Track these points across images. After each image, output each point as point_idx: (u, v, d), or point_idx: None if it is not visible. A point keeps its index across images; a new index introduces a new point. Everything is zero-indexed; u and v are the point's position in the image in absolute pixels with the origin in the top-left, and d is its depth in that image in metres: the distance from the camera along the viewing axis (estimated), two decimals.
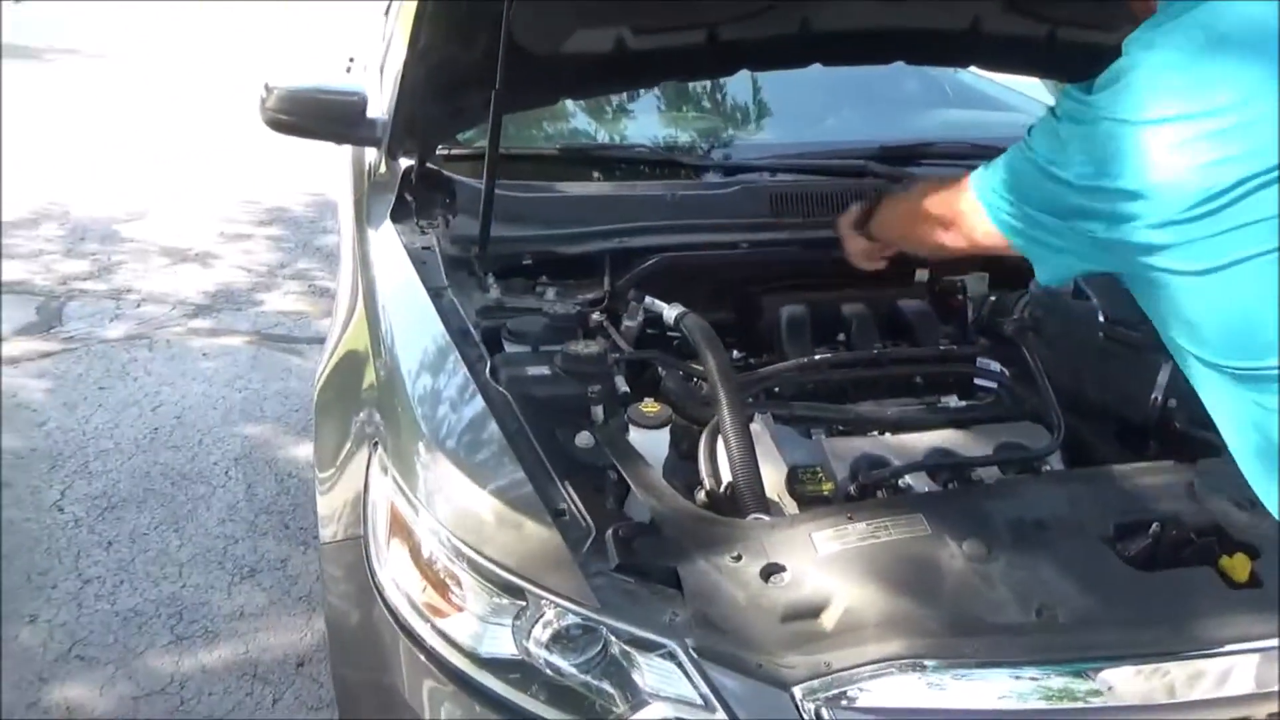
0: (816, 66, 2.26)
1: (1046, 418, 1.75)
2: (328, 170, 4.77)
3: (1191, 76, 1.10)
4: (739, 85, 2.67)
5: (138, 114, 7.92)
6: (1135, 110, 1.12)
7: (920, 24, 2.19)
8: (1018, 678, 1.26)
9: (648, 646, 1.28)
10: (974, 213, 1.39)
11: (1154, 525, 1.38)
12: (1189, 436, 1.71)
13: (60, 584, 2.67)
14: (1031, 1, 2.12)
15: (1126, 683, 1.26)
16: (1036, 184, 1.25)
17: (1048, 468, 1.68)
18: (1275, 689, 1.25)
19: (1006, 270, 2.12)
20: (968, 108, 3.09)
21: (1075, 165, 1.18)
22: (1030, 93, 3.07)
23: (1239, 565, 1.33)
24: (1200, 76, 1.10)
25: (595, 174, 2.37)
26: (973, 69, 2.87)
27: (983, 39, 2.22)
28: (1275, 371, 1.12)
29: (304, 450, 3.29)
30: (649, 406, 1.62)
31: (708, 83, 2.70)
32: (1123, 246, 1.17)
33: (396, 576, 1.48)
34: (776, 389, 1.84)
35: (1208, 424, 1.71)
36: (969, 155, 2.47)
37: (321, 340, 3.76)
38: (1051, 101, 3.00)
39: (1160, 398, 1.73)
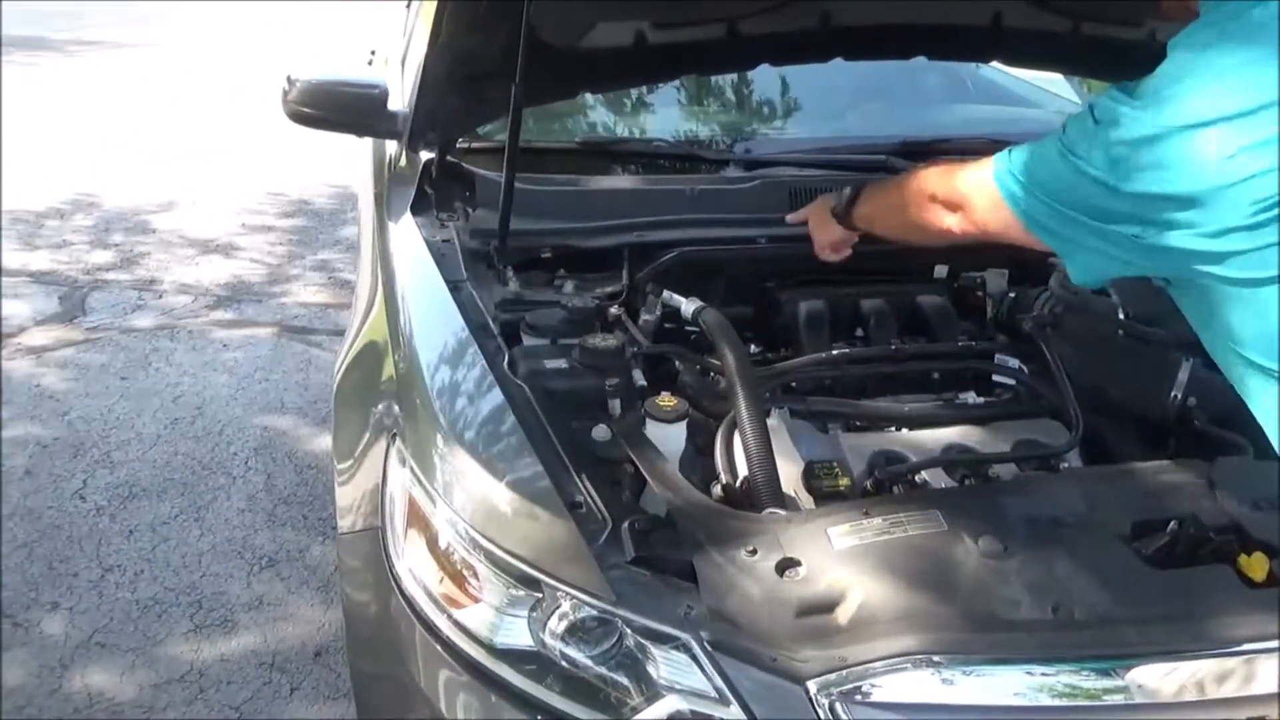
0: (837, 61, 2.25)
1: (1065, 415, 1.74)
2: (349, 163, 4.80)
3: (1247, 79, 1.07)
4: (760, 79, 2.66)
5: (164, 106, 7.96)
6: (1188, 115, 1.09)
7: (942, 18, 2.18)
8: (1033, 674, 1.25)
9: (663, 639, 1.28)
10: (989, 200, 1.37)
11: (1172, 523, 1.38)
12: (1208, 435, 1.70)
13: (82, 572, 2.70)
14: None
15: (1143, 681, 1.25)
16: (1075, 186, 1.21)
17: (1065, 465, 1.68)
18: None
19: (1026, 267, 2.12)
20: (989, 103, 3.07)
21: (1121, 171, 1.14)
22: (1052, 88, 3.06)
23: (1257, 564, 1.32)
24: (1257, 79, 1.07)
25: (615, 168, 2.37)
26: (995, 64, 2.85)
27: (1005, 34, 2.20)
28: None
29: (323, 442, 3.31)
30: (666, 400, 1.62)
31: (728, 77, 2.69)
32: (1170, 253, 1.14)
33: (413, 567, 1.49)
34: (794, 384, 1.84)
35: (1227, 422, 1.71)
36: (989, 151, 2.46)
37: (341, 332, 3.78)
38: (1074, 96, 3.00)
39: (1180, 396, 1.72)
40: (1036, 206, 1.29)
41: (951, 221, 1.47)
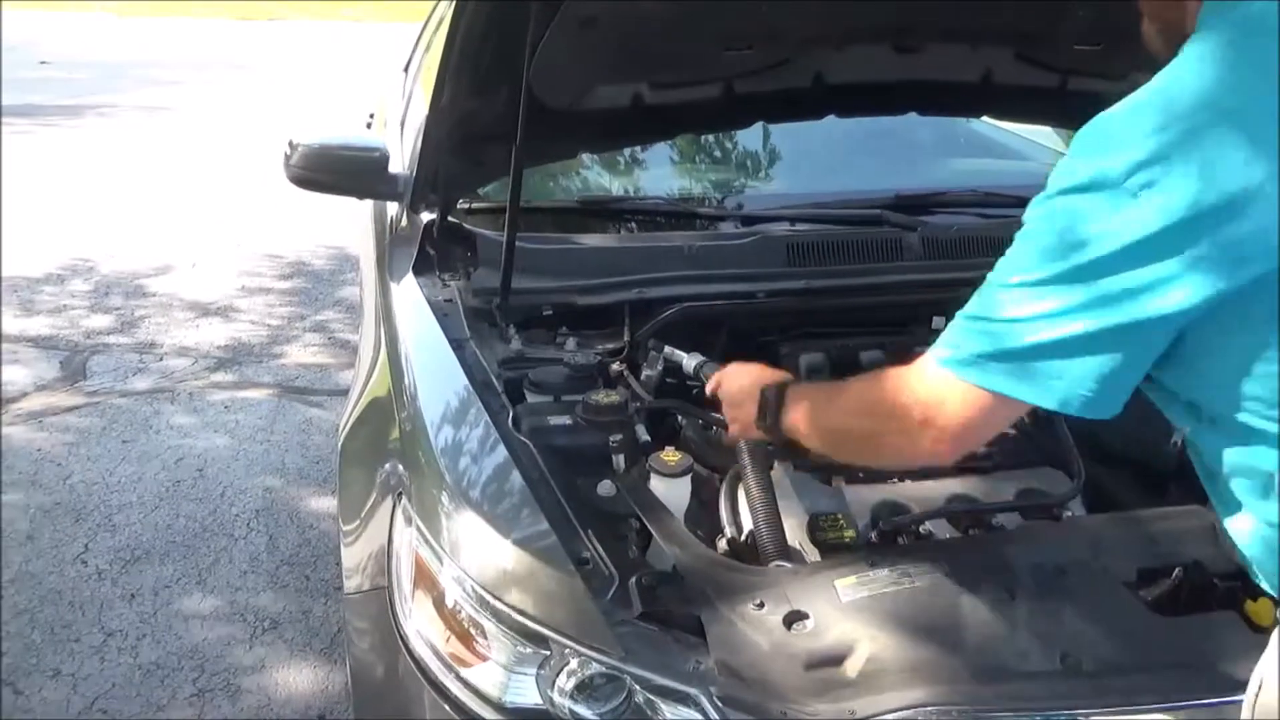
0: (831, 118, 2.30)
1: (1066, 463, 1.75)
2: (346, 224, 4.83)
3: None
4: (755, 137, 2.71)
5: (158, 171, 8.03)
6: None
7: (932, 75, 2.22)
8: None
9: (672, 695, 1.28)
10: (951, 394, 1.12)
11: (1177, 570, 1.39)
12: None
13: (83, 637, 2.68)
14: (1041, 52, 2.15)
15: None
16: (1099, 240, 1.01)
17: (1069, 513, 1.69)
18: None
19: None
20: (981, 156, 3.12)
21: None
22: (1043, 140, 3.10)
23: (1263, 609, 1.32)
24: None
25: (614, 226, 2.40)
26: (985, 119, 2.90)
27: (994, 90, 2.25)
28: None
29: (325, 502, 3.30)
30: (670, 455, 1.63)
31: (725, 135, 2.74)
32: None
33: (421, 627, 1.49)
34: None
35: None
36: (982, 204, 2.51)
37: (342, 392, 3.79)
38: (1064, 149, 3.04)
39: (1180, 442, 1.73)
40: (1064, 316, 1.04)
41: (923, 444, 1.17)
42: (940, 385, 1.13)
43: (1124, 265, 1.00)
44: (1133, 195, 0.98)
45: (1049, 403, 1.07)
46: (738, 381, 1.56)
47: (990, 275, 1.12)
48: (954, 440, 1.14)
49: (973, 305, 1.14)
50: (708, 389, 1.68)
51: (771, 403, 1.42)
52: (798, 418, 1.38)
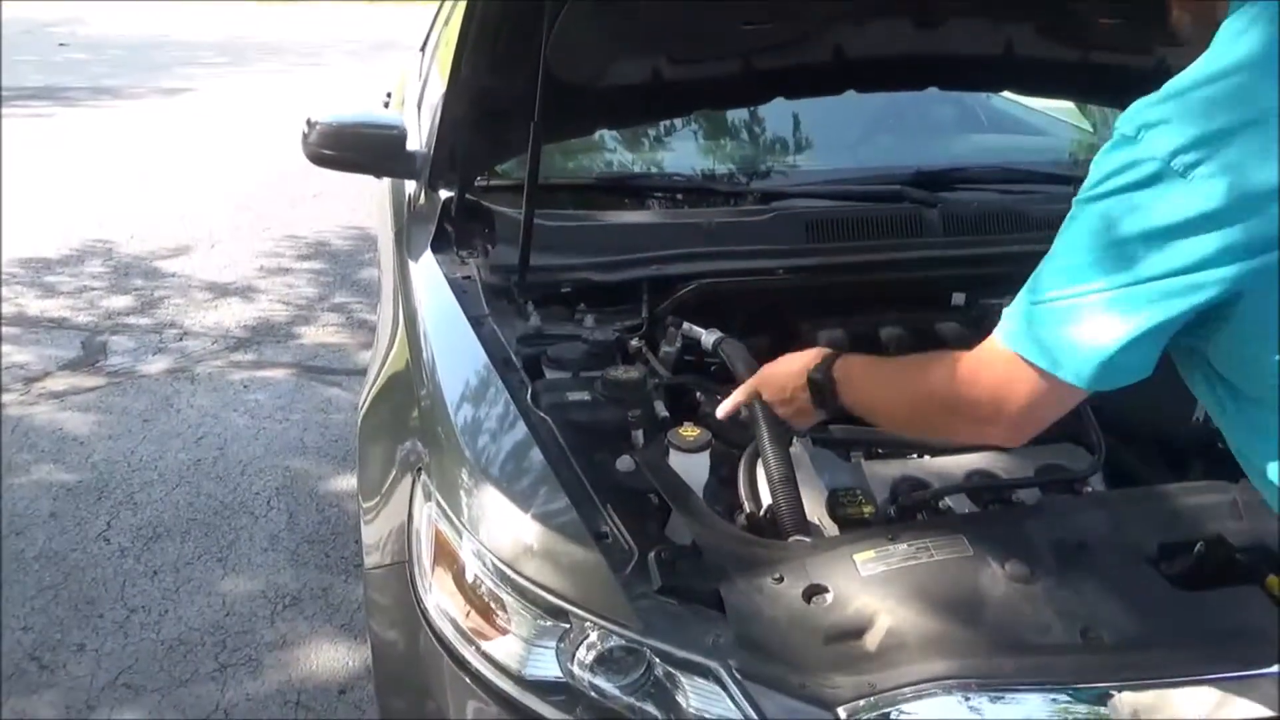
0: (851, 93, 2.28)
1: (1087, 439, 1.74)
2: (366, 205, 4.84)
3: None
4: (774, 113, 2.69)
5: (177, 153, 8.05)
6: None
7: (953, 49, 2.20)
8: (1063, 699, 1.25)
9: (691, 668, 1.28)
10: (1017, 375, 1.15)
11: (1199, 545, 1.38)
12: (1232, 455, 1.69)
13: (107, 613, 2.71)
14: (1064, 26, 2.12)
15: (1174, 703, 1.25)
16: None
17: (1089, 489, 1.68)
18: None
19: None
20: (1001, 132, 3.10)
21: None
22: (1064, 116, 3.08)
23: None
24: None
25: (632, 203, 2.40)
26: (1006, 94, 2.87)
27: (1016, 64, 2.23)
28: None
29: (345, 481, 3.32)
30: (688, 431, 1.63)
31: (744, 111, 2.72)
32: None
33: (441, 601, 1.50)
34: None
35: None
36: (1002, 179, 2.49)
37: (361, 372, 3.80)
38: (1085, 124, 3.02)
39: (1202, 417, 1.72)
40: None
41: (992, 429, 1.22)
42: (1005, 367, 1.16)
43: (1171, 241, 1.01)
44: (1181, 175, 1.00)
45: (1082, 378, 1.11)
46: (777, 379, 1.55)
47: (1045, 257, 1.14)
48: (1020, 424, 1.19)
49: (1029, 285, 1.16)
50: (740, 399, 1.61)
51: (824, 385, 1.44)
52: (858, 397, 1.42)
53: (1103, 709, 1.25)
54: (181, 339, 4.54)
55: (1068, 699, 1.25)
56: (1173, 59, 2.19)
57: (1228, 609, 1.31)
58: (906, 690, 1.22)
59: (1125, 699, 1.25)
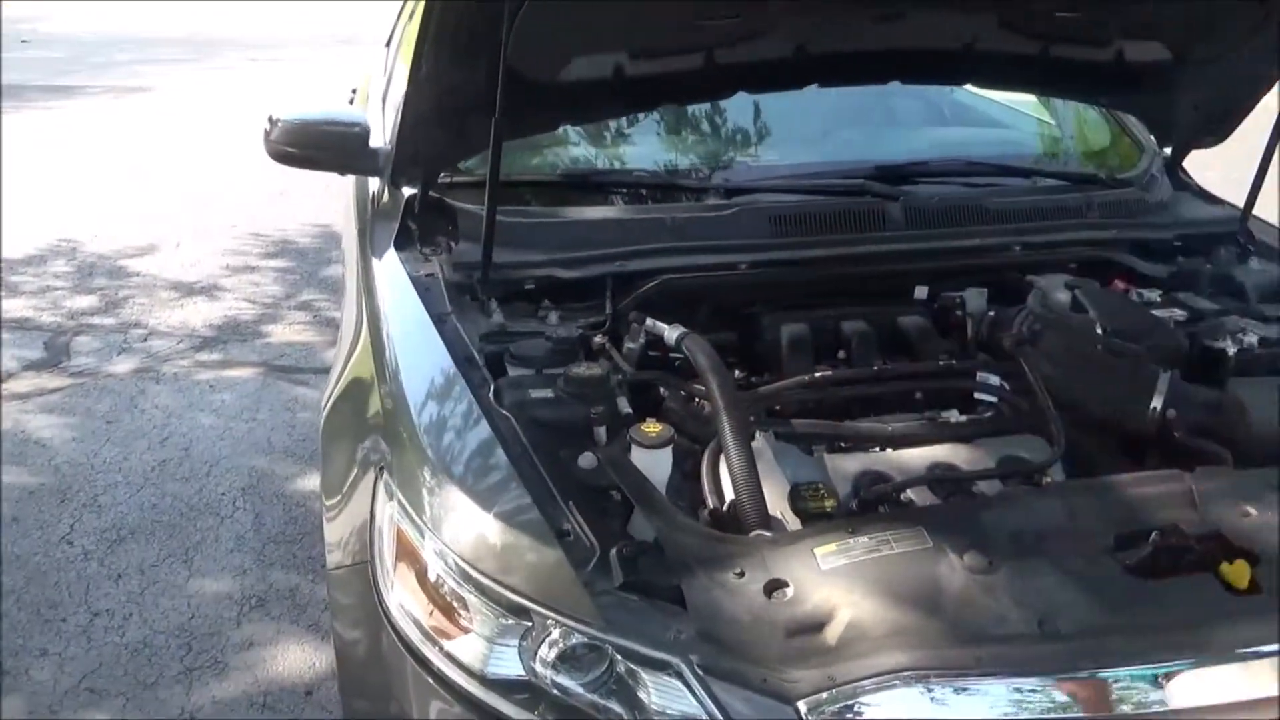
0: (815, 87, 2.28)
1: (1047, 430, 1.75)
2: (332, 202, 4.81)
3: None
4: (737, 108, 2.69)
5: (142, 151, 7.97)
6: None
7: (915, 44, 2.21)
8: (1022, 688, 1.26)
9: (653, 664, 1.29)
10: None
11: (1154, 534, 1.39)
12: (1188, 446, 1.72)
13: (70, 617, 2.68)
14: (1025, 19, 2.13)
15: (1129, 691, 1.26)
16: None
17: (1048, 480, 1.69)
18: (1276, 695, 1.25)
19: (1005, 286, 2.14)
20: (963, 125, 3.11)
21: None
22: (1026, 109, 3.09)
23: (1239, 572, 1.33)
24: None
25: (596, 199, 2.39)
26: (968, 87, 2.88)
27: (977, 57, 2.24)
28: None
29: (311, 480, 3.30)
30: (651, 427, 1.63)
31: (708, 106, 2.72)
32: None
33: (404, 601, 1.49)
34: (778, 407, 1.86)
35: (1206, 433, 1.74)
36: (964, 173, 2.50)
37: (327, 370, 3.78)
38: (1047, 117, 3.03)
39: (1159, 408, 1.74)
40: None
41: None
42: None
43: None
44: None
45: None
46: None
47: None
48: None
49: None
50: None
51: None
52: None
53: (1060, 696, 1.26)
54: (146, 339, 4.50)
55: (1029, 688, 1.26)
56: (1130, 51, 2.22)
57: (1183, 597, 1.33)
58: (867, 682, 1.23)
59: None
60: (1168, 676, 1.26)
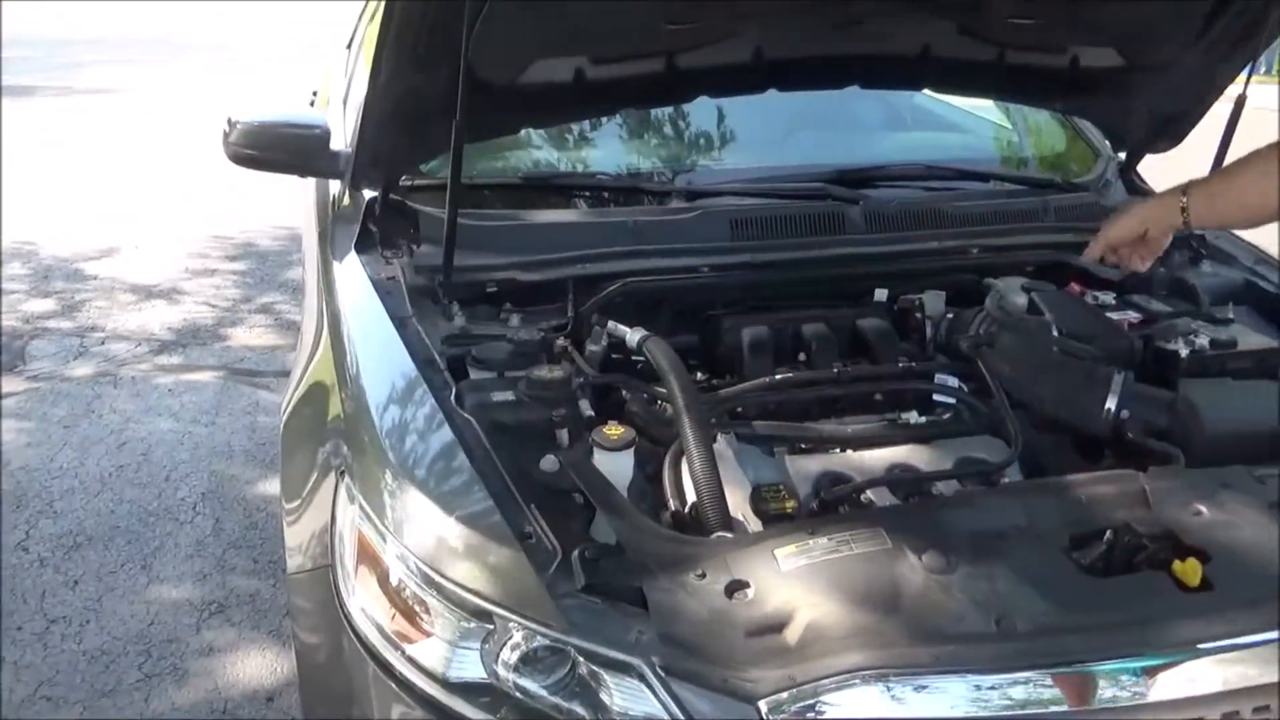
0: (778, 93, 2.30)
1: (1004, 431, 1.78)
2: (295, 204, 4.77)
3: None
4: (700, 112, 2.71)
5: (101, 153, 7.88)
6: None
7: (872, 49, 2.23)
8: (979, 686, 1.27)
9: (615, 666, 1.29)
10: None
11: (1108, 533, 1.41)
12: (1141, 446, 1.74)
13: (26, 625, 2.65)
14: (981, 26, 2.16)
15: (1085, 688, 1.28)
16: None
17: (1006, 480, 1.71)
18: (1227, 690, 1.27)
19: (963, 288, 2.17)
20: (923, 129, 3.14)
21: None
22: (986, 114, 3.13)
23: (1191, 570, 1.35)
24: None
25: (558, 202, 2.40)
26: (927, 92, 2.91)
27: (934, 63, 2.26)
28: None
29: (272, 484, 3.28)
30: (613, 429, 1.63)
31: (669, 110, 2.73)
32: None
33: (365, 605, 1.49)
34: (739, 409, 1.86)
35: (1159, 433, 1.76)
36: (923, 177, 2.53)
37: (288, 374, 3.75)
38: (1004, 121, 3.07)
39: (1113, 409, 1.76)
40: None
41: None
42: None
43: None
44: None
45: None
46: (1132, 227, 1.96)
47: None
48: None
49: None
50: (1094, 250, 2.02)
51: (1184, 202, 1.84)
52: (1227, 199, 1.85)
53: (1018, 694, 1.28)
54: (104, 342, 4.45)
55: (987, 686, 1.28)
56: (1084, 57, 2.25)
57: (1136, 595, 1.35)
58: (827, 681, 1.24)
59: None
60: (1123, 673, 1.28)
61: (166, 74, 11.69)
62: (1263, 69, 12.06)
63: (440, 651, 1.38)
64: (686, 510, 1.59)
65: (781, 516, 1.60)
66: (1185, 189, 1.88)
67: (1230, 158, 2.22)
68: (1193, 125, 2.49)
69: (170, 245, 5.71)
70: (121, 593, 2.78)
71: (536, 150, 2.68)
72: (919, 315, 2.14)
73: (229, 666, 2.53)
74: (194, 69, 12.06)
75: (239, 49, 13.63)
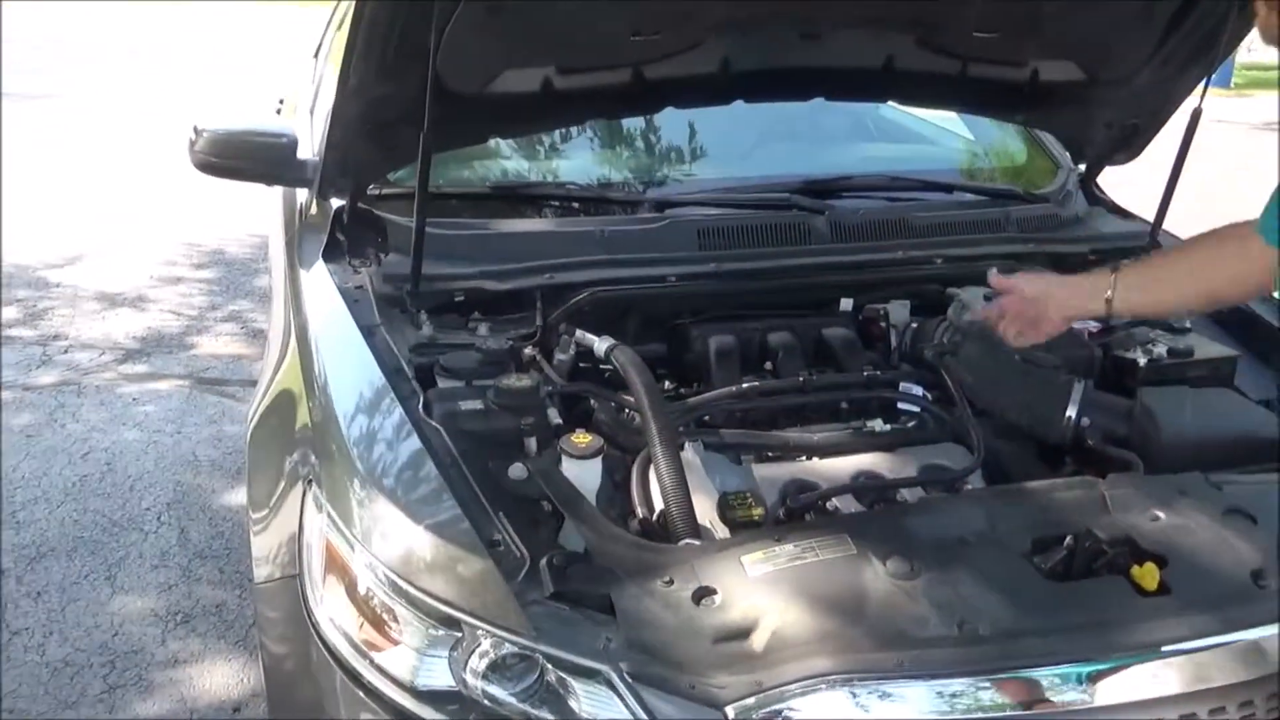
0: (745, 104, 2.32)
1: (967, 439, 1.80)
2: (263, 212, 4.75)
3: None
4: (669, 123, 2.72)
5: (66, 159, 7.80)
6: None
7: (836, 62, 2.26)
8: (943, 690, 1.30)
9: (583, 673, 1.30)
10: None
11: (1069, 539, 1.44)
12: (1101, 453, 1.78)
13: None
14: (942, 39, 2.19)
15: (1045, 691, 1.30)
16: None
17: (969, 487, 1.74)
18: (1185, 693, 1.30)
19: (926, 298, 2.20)
20: (888, 141, 3.17)
21: None
22: (950, 126, 3.17)
23: (1148, 574, 1.38)
24: None
25: (527, 211, 2.41)
26: (891, 104, 2.95)
27: (898, 75, 2.29)
28: None
29: (238, 494, 3.25)
30: (580, 438, 1.64)
31: (639, 121, 2.75)
32: None
33: (333, 614, 1.49)
34: (706, 418, 1.88)
35: (1119, 441, 1.80)
36: (887, 187, 2.56)
37: (255, 383, 3.73)
38: (967, 133, 3.11)
39: (1074, 417, 1.80)
40: None
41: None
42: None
43: None
44: None
45: None
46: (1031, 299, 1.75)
47: None
48: None
49: None
50: (988, 311, 1.83)
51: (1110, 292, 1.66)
52: (1148, 291, 1.69)
53: (981, 697, 1.30)
54: (68, 351, 4.40)
55: (950, 690, 1.30)
56: (1045, 71, 2.29)
57: (1096, 599, 1.38)
58: (793, 687, 1.26)
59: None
60: (1083, 676, 1.31)
61: (132, 77, 11.59)
62: (1226, 83, 12.27)
63: (409, 660, 1.39)
64: (654, 518, 1.61)
65: (748, 524, 1.61)
66: (1116, 270, 1.68)
67: (1186, 170, 2.27)
68: (1151, 137, 2.53)
69: (136, 252, 5.65)
70: (85, 604, 2.75)
71: (505, 160, 2.69)
72: (883, 324, 2.17)
73: (195, 677, 2.51)
74: (161, 72, 11.96)
75: (200, 54, 13.53)
